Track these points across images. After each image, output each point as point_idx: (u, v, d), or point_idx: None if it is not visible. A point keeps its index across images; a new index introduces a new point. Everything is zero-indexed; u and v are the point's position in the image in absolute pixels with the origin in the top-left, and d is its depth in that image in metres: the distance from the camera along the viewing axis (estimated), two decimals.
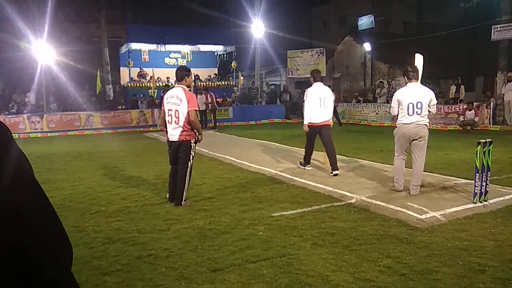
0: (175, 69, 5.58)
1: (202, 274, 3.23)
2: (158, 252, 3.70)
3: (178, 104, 5.14)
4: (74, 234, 4.17)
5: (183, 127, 5.14)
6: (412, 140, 5.44)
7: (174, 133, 5.21)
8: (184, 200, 5.23)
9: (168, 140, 5.33)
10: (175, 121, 5.16)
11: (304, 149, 7.45)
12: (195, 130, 5.25)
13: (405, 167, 5.65)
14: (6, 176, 0.57)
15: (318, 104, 6.92)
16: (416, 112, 5.35)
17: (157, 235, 4.16)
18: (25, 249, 0.57)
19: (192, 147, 5.25)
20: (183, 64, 21.66)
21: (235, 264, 3.39)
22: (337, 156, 6.91)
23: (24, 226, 0.58)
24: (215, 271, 3.28)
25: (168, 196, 5.44)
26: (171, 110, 5.20)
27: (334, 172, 6.73)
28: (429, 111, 5.42)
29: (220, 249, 3.74)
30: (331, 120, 7.09)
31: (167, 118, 5.26)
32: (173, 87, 5.51)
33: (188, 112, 5.10)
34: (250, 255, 3.57)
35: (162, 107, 5.42)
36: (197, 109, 5.44)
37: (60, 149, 11.35)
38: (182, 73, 5.32)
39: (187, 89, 5.36)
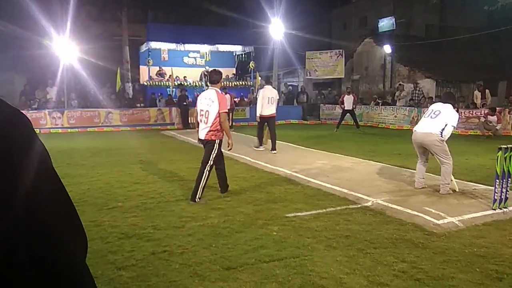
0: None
1: (215, 272, 3.25)
2: (173, 248, 3.74)
3: (209, 105, 5.40)
4: (91, 228, 4.24)
5: (210, 127, 5.39)
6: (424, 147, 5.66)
7: (202, 132, 5.50)
8: (199, 198, 5.33)
9: (198, 139, 5.67)
10: (205, 121, 5.44)
11: (256, 135, 10.18)
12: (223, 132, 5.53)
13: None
14: (28, 170, 0.59)
15: (267, 102, 9.44)
16: (430, 116, 5.60)
17: (172, 232, 4.20)
18: (42, 242, 0.58)
19: (215, 148, 5.42)
20: (202, 64, 21.89)
21: (248, 263, 3.39)
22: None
23: (43, 219, 0.59)
24: (228, 269, 3.29)
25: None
26: (202, 110, 5.48)
27: (273, 152, 9.33)
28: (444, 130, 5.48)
29: (233, 247, 3.75)
30: (275, 113, 9.64)
31: (199, 118, 5.54)
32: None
33: (218, 114, 5.36)
34: (264, 254, 3.57)
35: (196, 107, 5.74)
36: (227, 111, 5.71)
37: (80, 145, 11.57)
38: (217, 77, 5.63)
39: (220, 91, 5.60)
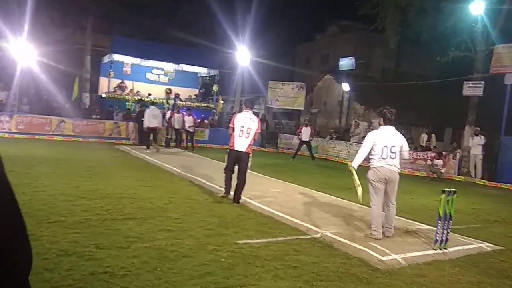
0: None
1: None
2: (115, 270, 3.56)
3: (251, 124, 6.69)
4: None
5: (250, 141, 6.66)
6: (386, 184, 5.34)
7: (243, 145, 6.64)
8: (240, 200, 6.65)
9: (233, 150, 6.70)
10: (246, 136, 6.64)
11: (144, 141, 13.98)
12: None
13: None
14: None
15: (152, 118, 13.60)
16: (390, 156, 5.28)
17: (116, 252, 4.02)
18: None
19: (251, 158, 6.75)
20: (165, 81, 21.73)
21: None
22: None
23: None
24: None
25: (224, 192, 6.94)
26: (243, 127, 6.65)
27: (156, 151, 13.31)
28: (402, 156, 5.45)
29: (179, 272, 3.64)
30: (157, 126, 13.98)
31: (238, 133, 6.64)
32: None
33: (256, 132, 6.73)
34: (210, 281, 3.49)
35: (231, 125, 6.81)
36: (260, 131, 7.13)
37: (26, 152, 10.96)
38: (252, 104, 7.43)
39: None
